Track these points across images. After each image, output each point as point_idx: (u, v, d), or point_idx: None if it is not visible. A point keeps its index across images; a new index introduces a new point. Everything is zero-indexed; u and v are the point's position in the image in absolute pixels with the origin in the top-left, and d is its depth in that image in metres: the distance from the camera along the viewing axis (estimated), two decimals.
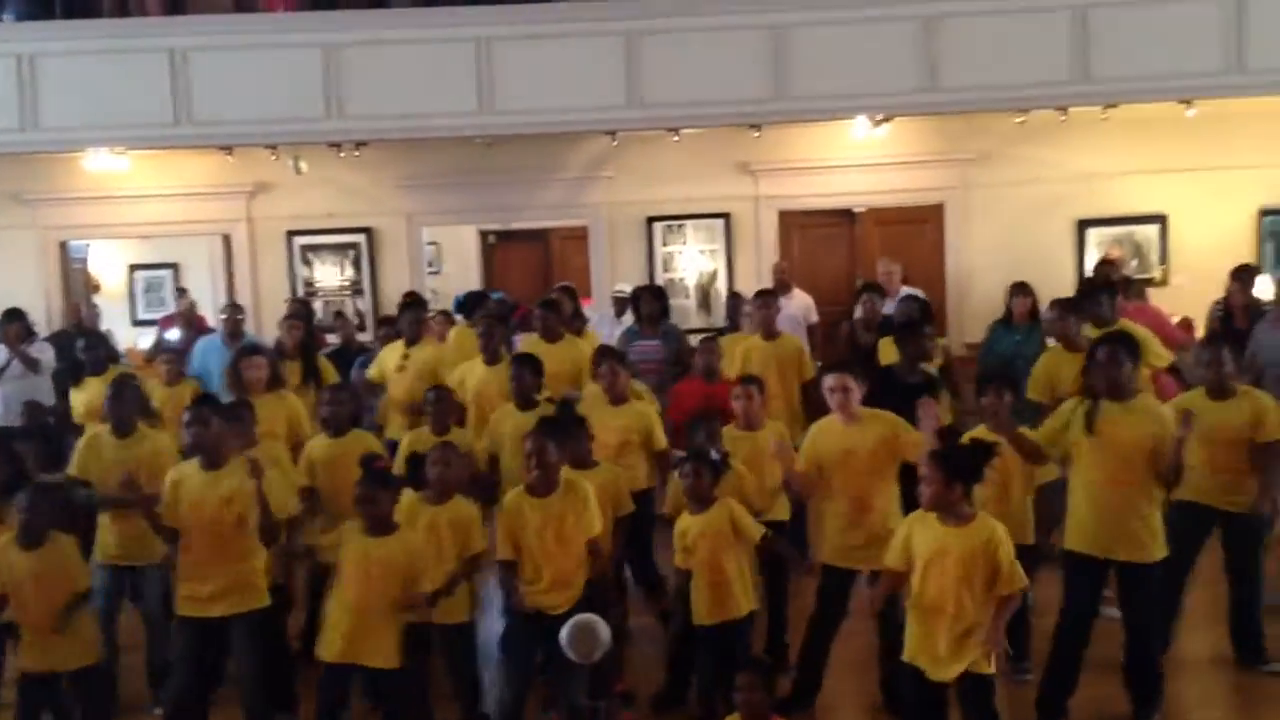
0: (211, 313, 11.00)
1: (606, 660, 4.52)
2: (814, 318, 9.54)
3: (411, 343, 7.36)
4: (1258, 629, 5.68)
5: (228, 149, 10.17)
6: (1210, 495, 5.47)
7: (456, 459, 5.19)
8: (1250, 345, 7.13)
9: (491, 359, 6.76)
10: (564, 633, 3.68)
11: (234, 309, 8.49)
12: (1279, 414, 5.47)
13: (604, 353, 6.43)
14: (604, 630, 3.64)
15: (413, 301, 7.95)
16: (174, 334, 10.05)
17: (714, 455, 5.24)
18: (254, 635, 5.01)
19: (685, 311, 10.88)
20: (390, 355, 7.45)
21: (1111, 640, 5.15)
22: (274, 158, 10.31)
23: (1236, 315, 7.98)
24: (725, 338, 7.46)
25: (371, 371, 7.48)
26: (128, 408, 5.66)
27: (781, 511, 5.81)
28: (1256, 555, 5.64)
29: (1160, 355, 6.66)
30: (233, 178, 10.75)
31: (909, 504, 4.88)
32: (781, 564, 5.70)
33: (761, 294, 7.60)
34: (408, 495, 5.09)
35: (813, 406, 6.39)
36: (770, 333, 7.26)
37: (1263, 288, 8.64)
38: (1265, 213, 10.52)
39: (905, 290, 9.07)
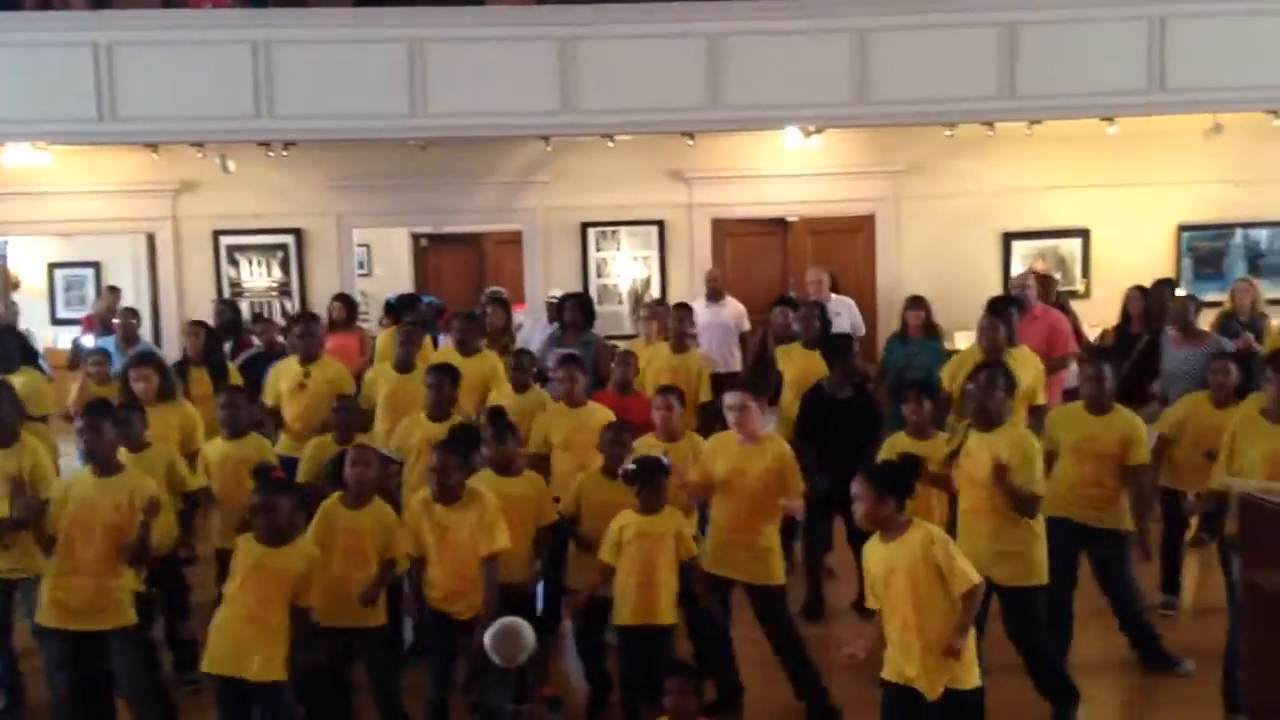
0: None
1: (530, 664, 4.48)
2: (746, 326, 9.59)
3: (307, 360, 6.93)
4: (1150, 631, 5.80)
5: (153, 146, 10.00)
6: (1074, 510, 5.51)
7: (375, 460, 5.15)
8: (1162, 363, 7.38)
9: (405, 367, 6.72)
10: (488, 636, 3.65)
11: (127, 313, 8.32)
12: (1147, 440, 5.60)
13: (563, 360, 6.47)
14: (528, 634, 3.62)
15: (303, 316, 7.56)
16: (88, 338, 9.81)
17: (665, 460, 5.28)
18: (136, 651, 4.92)
19: (618, 318, 10.90)
20: (285, 374, 6.98)
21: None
22: (201, 156, 10.15)
23: (1133, 322, 8.30)
24: (643, 346, 7.55)
25: (267, 398, 6.97)
26: (5, 414, 5.35)
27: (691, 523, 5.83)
28: (1125, 572, 5.70)
29: (1036, 395, 6.71)
30: (158, 175, 10.57)
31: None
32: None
33: (677, 306, 7.67)
34: (328, 499, 5.06)
35: (705, 428, 6.48)
36: (680, 346, 7.35)
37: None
38: (1184, 228, 10.83)
39: (835, 299, 9.17)
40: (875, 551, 4.26)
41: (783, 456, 5.32)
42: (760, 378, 6.35)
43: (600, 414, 6.07)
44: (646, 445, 5.67)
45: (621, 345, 8.16)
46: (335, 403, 6.13)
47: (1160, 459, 6.04)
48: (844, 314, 9.01)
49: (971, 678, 4.21)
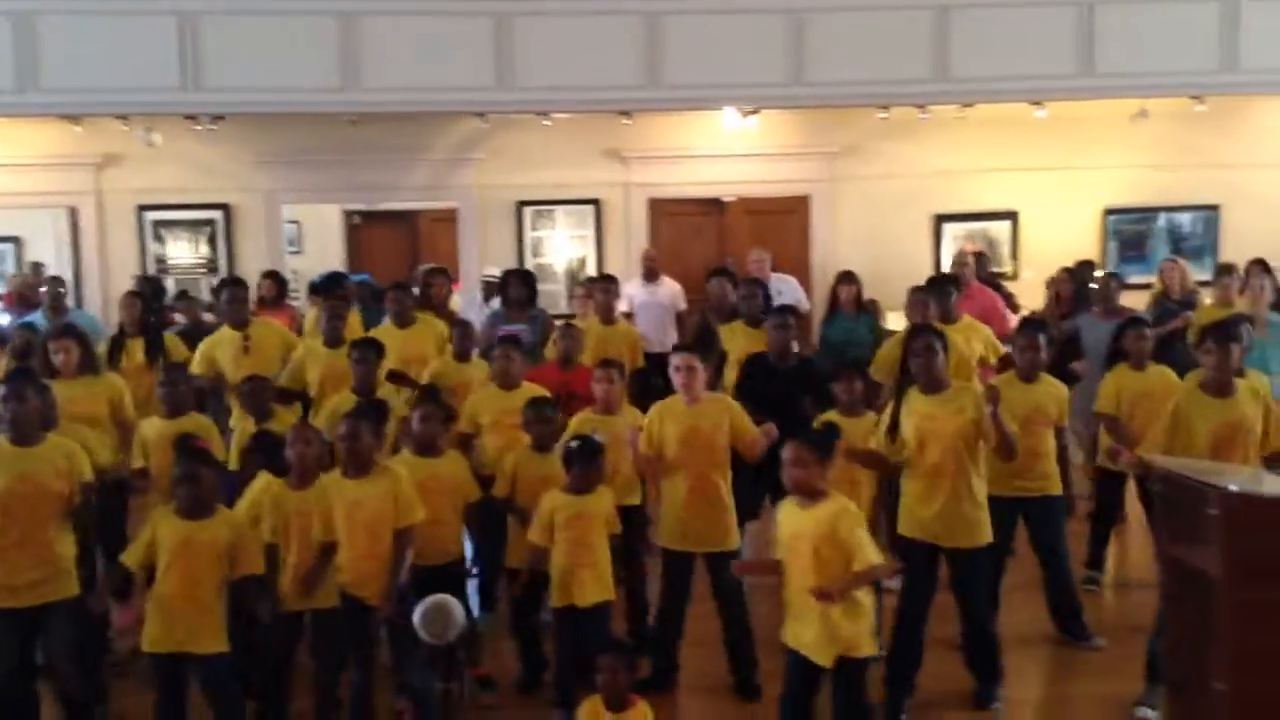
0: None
1: (461, 643, 4.46)
2: (682, 305, 9.61)
3: (239, 325, 6.93)
4: (1076, 605, 5.94)
5: (75, 119, 9.74)
6: (1010, 483, 5.59)
7: (317, 438, 5.08)
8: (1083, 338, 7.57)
9: (334, 342, 6.66)
10: (417, 613, 3.64)
11: (54, 282, 8.14)
12: (1066, 401, 5.80)
13: (502, 339, 6.45)
14: (457, 611, 3.61)
15: (230, 281, 7.54)
16: (4, 316, 9.53)
17: (597, 439, 5.27)
18: (68, 623, 4.82)
19: (555, 297, 10.85)
20: (221, 344, 6.95)
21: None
22: (125, 129, 9.89)
23: (1062, 304, 8.53)
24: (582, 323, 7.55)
25: (197, 368, 6.86)
26: None
27: (634, 496, 5.85)
28: (1061, 535, 5.86)
29: (995, 349, 6.95)
30: (80, 148, 10.30)
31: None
32: (638, 548, 5.80)
33: (603, 279, 7.72)
34: (272, 481, 4.99)
35: (638, 396, 6.49)
36: (608, 318, 7.41)
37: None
38: (1109, 212, 11.05)
39: (776, 277, 9.24)
40: (789, 514, 4.39)
41: (732, 409, 5.39)
42: (704, 348, 6.37)
43: (530, 396, 6.07)
44: (584, 418, 5.69)
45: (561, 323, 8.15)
46: (245, 385, 5.99)
47: (1112, 431, 6.21)
48: (786, 292, 9.10)
49: (865, 647, 4.37)
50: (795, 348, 6.56)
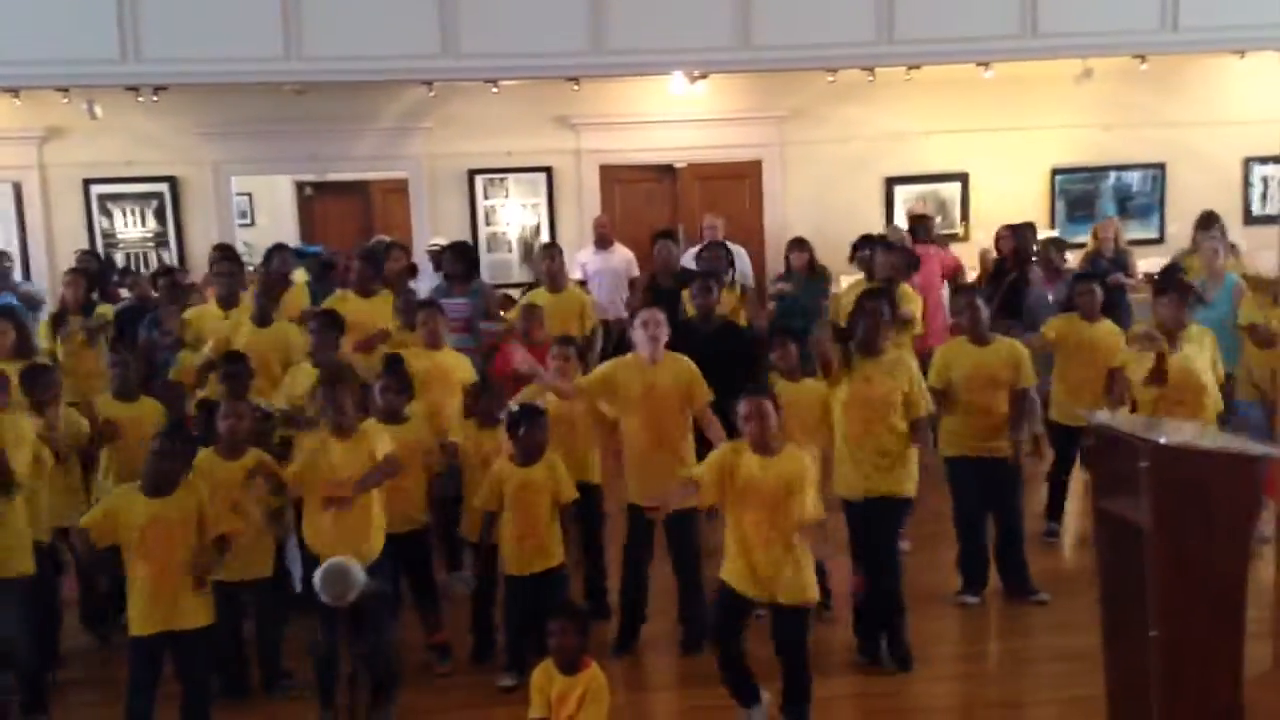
0: None
1: (374, 606, 4.47)
2: (635, 272, 9.62)
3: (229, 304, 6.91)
4: (1023, 562, 6.09)
5: (15, 92, 9.54)
6: (969, 444, 5.84)
7: (248, 412, 5.13)
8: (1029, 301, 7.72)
9: (263, 320, 6.60)
10: (317, 575, 3.72)
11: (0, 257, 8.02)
12: (1029, 362, 5.93)
13: (423, 304, 6.59)
14: (357, 574, 3.66)
15: (224, 254, 7.53)
16: None
17: (539, 405, 5.32)
18: (24, 603, 4.87)
19: (508, 266, 10.84)
20: (206, 318, 6.88)
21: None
22: (66, 102, 9.71)
23: (1005, 261, 8.66)
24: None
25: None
26: None
27: (594, 474, 5.91)
28: (1017, 493, 6.01)
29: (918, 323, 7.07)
30: (22, 122, 10.11)
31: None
32: (595, 515, 5.86)
33: (548, 247, 7.77)
34: (206, 452, 5.03)
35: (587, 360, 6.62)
36: (556, 285, 7.44)
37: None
38: (1057, 171, 11.14)
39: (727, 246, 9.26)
40: (743, 462, 4.52)
41: (690, 369, 5.51)
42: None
43: (455, 362, 6.17)
44: (536, 389, 5.73)
45: (513, 293, 8.16)
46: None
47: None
48: (735, 263, 9.12)
49: (808, 594, 4.58)
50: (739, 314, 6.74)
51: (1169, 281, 6.07)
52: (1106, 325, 6.59)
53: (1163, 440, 3.79)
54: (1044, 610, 5.94)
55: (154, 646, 4.60)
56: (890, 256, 7.27)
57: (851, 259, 8.23)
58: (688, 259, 8.76)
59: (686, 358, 5.56)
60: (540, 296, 7.42)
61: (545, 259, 7.66)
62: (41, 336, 6.96)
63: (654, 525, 5.43)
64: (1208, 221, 8.64)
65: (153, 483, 4.61)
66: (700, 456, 5.60)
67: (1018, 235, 8.84)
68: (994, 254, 9.15)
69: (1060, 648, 5.46)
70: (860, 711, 5.12)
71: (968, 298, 5.98)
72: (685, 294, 7.33)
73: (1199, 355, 5.83)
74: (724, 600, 4.65)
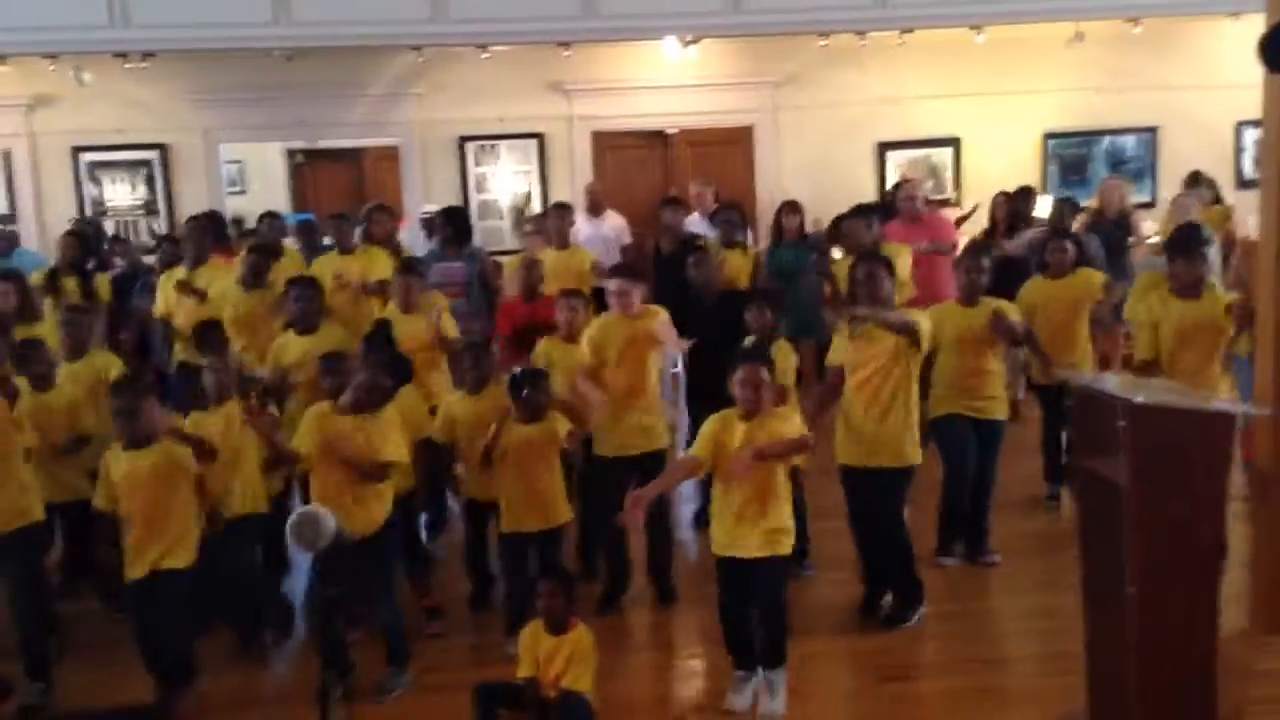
0: None
1: (333, 553, 4.53)
2: (627, 238, 9.63)
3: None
4: (986, 527, 6.17)
5: (2, 58, 9.52)
6: (961, 402, 5.90)
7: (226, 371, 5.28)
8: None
9: (254, 285, 6.70)
10: (289, 523, 3.80)
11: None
12: (1016, 313, 6.01)
13: (400, 268, 6.64)
14: (327, 522, 3.73)
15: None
16: None
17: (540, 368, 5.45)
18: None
19: (499, 232, 10.84)
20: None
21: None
22: (54, 69, 9.68)
23: (998, 227, 8.66)
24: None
25: (158, 308, 6.98)
26: None
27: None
28: (996, 458, 6.07)
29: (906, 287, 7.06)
30: (9, 89, 10.09)
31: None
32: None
33: (557, 206, 7.83)
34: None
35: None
36: (563, 244, 7.52)
37: (1042, 207, 9.21)
38: (1049, 136, 11.13)
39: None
40: (734, 434, 4.56)
41: (656, 314, 5.66)
42: (663, 279, 6.64)
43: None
44: (552, 347, 5.88)
45: (504, 260, 8.17)
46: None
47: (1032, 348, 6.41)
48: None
49: (783, 546, 4.63)
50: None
51: (1184, 244, 6.13)
52: (1080, 275, 6.64)
53: (1139, 399, 3.81)
54: (1021, 569, 6.01)
55: (143, 589, 4.73)
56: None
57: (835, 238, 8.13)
58: (695, 223, 8.78)
59: (660, 309, 5.72)
60: (548, 257, 7.43)
61: (555, 217, 7.71)
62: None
63: (624, 475, 5.52)
64: (1194, 180, 8.67)
65: (126, 438, 4.77)
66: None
67: (1012, 201, 8.81)
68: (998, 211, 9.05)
69: (1040, 606, 5.53)
70: (844, 668, 5.17)
71: (973, 260, 6.02)
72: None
73: (1216, 305, 5.97)
74: (723, 575, 4.69)
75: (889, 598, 5.49)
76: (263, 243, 7.29)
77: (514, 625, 5.17)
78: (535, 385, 5.24)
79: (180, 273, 7.01)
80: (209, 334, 6.03)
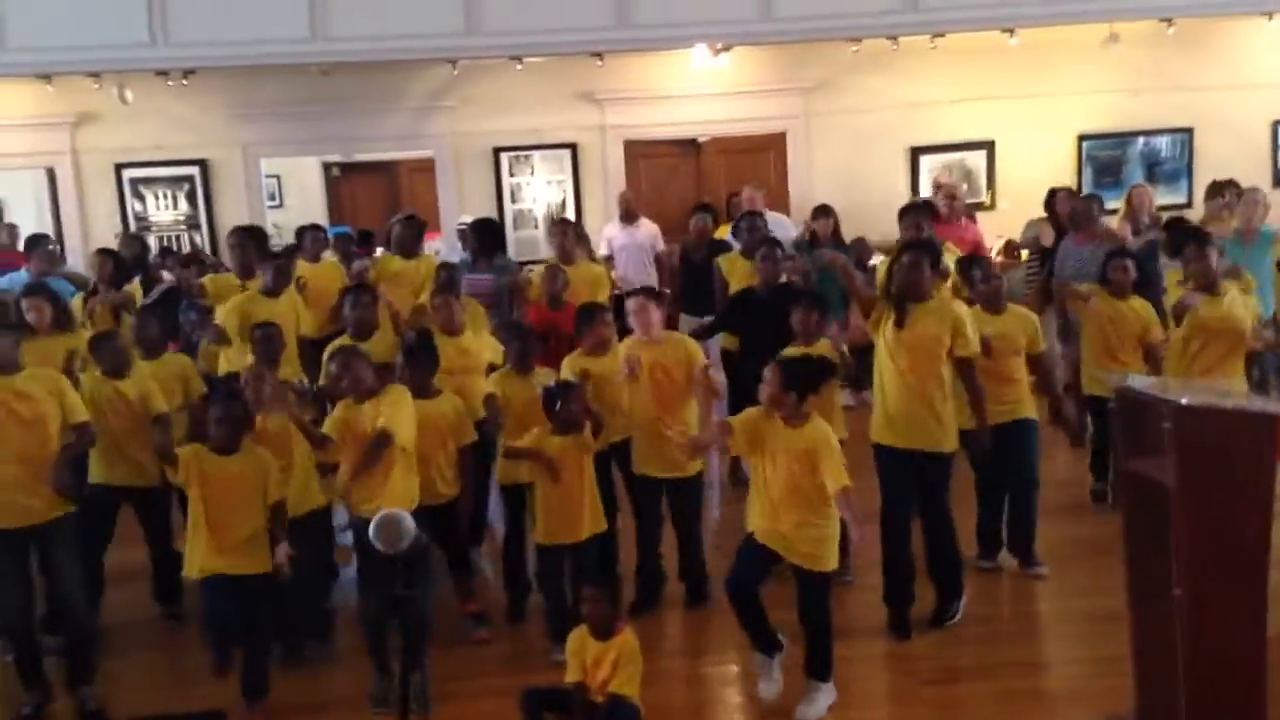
0: None
1: (419, 554, 4.58)
2: (660, 245, 9.69)
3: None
4: (1031, 534, 6.09)
5: (47, 78, 9.69)
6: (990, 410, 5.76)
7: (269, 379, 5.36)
8: (1056, 261, 7.66)
9: (272, 291, 6.74)
10: (371, 525, 3.89)
11: (44, 240, 8.26)
12: (1039, 328, 6.02)
13: (439, 288, 6.64)
14: (408, 522, 3.84)
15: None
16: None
17: (573, 381, 5.45)
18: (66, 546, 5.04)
19: (534, 242, 10.91)
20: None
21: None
22: (97, 87, 9.86)
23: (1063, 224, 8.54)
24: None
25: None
26: None
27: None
28: (1032, 459, 5.99)
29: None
30: (54, 108, 10.27)
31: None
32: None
33: (560, 222, 7.89)
34: None
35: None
36: (568, 259, 7.47)
37: None
38: (1084, 138, 11.10)
39: (770, 215, 9.25)
40: (773, 426, 4.64)
41: (688, 345, 5.73)
42: (691, 285, 6.69)
43: (479, 345, 6.23)
44: (576, 358, 5.82)
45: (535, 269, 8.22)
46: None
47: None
48: (778, 232, 9.12)
49: (827, 562, 4.69)
50: (783, 278, 6.74)
51: (1183, 236, 6.12)
52: (1137, 302, 6.56)
53: (1184, 401, 3.82)
54: (1066, 574, 5.99)
55: (220, 587, 4.87)
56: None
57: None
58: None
59: (687, 338, 5.82)
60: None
61: (558, 233, 7.68)
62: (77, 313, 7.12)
63: (660, 492, 5.63)
64: (1215, 190, 8.65)
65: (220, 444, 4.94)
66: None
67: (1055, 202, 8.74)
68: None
69: (1086, 610, 5.52)
70: (889, 672, 5.18)
71: (991, 268, 6.04)
72: (719, 263, 7.47)
73: (1238, 302, 5.98)
74: (747, 548, 4.73)
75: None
76: (284, 253, 7.43)
77: (556, 632, 5.23)
78: (569, 398, 5.27)
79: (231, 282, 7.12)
80: (269, 341, 5.97)
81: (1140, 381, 4.57)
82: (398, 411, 5.11)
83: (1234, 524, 3.87)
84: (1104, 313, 6.55)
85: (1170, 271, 6.82)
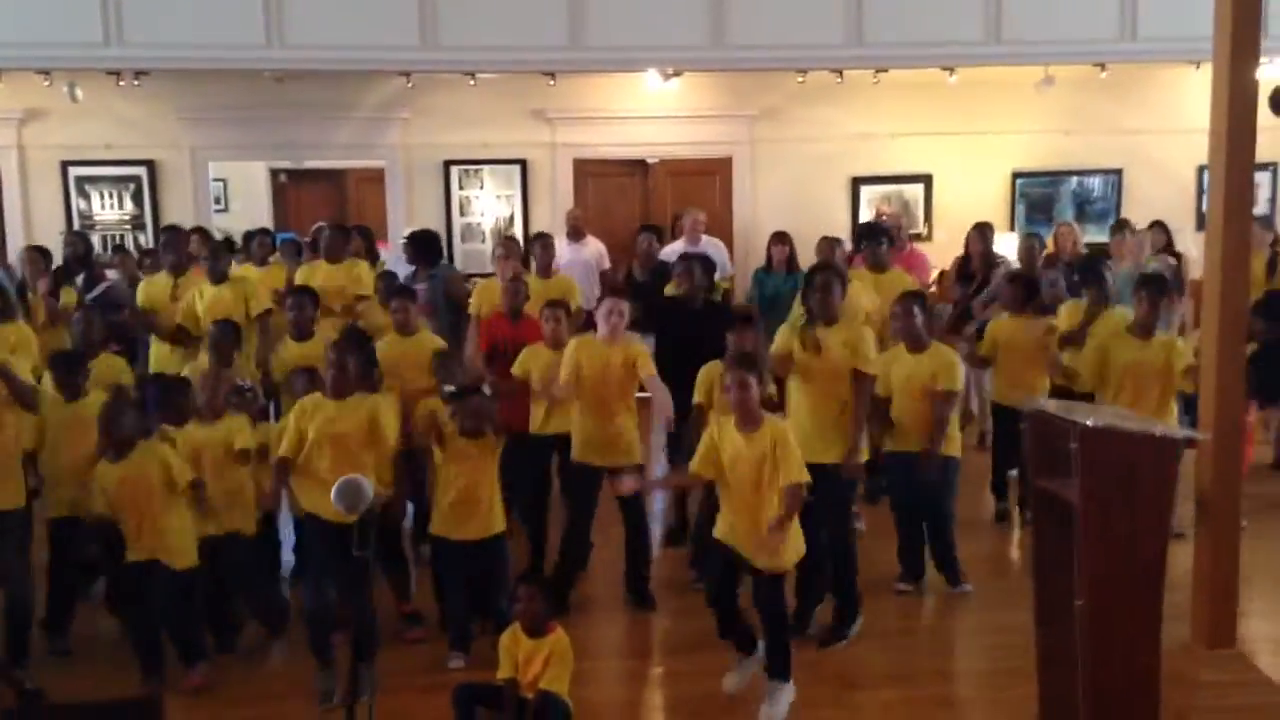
0: None
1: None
2: (606, 264, 9.83)
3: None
4: (952, 557, 6.31)
5: None
6: (911, 443, 6.07)
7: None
8: (991, 292, 7.98)
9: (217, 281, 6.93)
10: (334, 488, 4.02)
11: None
12: (956, 368, 6.18)
13: (395, 291, 6.81)
14: (368, 487, 4.00)
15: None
16: None
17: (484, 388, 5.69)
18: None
19: (481, 256, 11.02)
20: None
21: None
22: (47, 84, 9.83)
23: (973, 260, 8.82)
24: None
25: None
26: None
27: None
28: (948, 495, 6.19)
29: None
30: (1, 103, 10.22)
31: None
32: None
33: (540, 237, 8.03)
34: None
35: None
36: (547, 273, 7.66)
37: (1007, 245, 9.48)
38: (1017, 175, 11.47)
39: (705, 240, 9.45)
40: (728, 436, 4.78)
41: (639, 349, 5.97)
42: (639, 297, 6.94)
43: (429, 343, 6.44)
44: (533, 351, 6.22)
45: (480, 281, 8.35)
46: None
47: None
48: (713, 256, 9.31)
49: (781, 560, 4.80)
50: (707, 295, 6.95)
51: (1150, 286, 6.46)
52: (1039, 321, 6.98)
53: (1089, 422, 4.05)
54: (978, 591, 6.21)
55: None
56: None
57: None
58: (669, 252, 8.99)
59: (638, 338, 6.06)
60: (532, 283, 7.59)
61: (540, 248, 7.81)
62: None
63: (598, 484, 5.85)
64: (1119, 227, 9.10)
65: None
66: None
67: (983, 237, 9.05)
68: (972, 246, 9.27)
69: (995, 622, 5.75)
70: (803, 677, 5.31)
71: (906, 305, 6.11)
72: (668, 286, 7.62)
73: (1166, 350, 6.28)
74: (719, 557, 4.90)
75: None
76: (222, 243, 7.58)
77: (457, 638, 5.40)
78: (473, 406, 5.38)
79: (162, 280, 7.18)
80: (224, 339, 6.10)
81: (1048, 403, 4.80)
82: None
83: (1134, 541, 4.11)
84: (1002, 337, 6.98)
85: (1070, 303, 7.12)
